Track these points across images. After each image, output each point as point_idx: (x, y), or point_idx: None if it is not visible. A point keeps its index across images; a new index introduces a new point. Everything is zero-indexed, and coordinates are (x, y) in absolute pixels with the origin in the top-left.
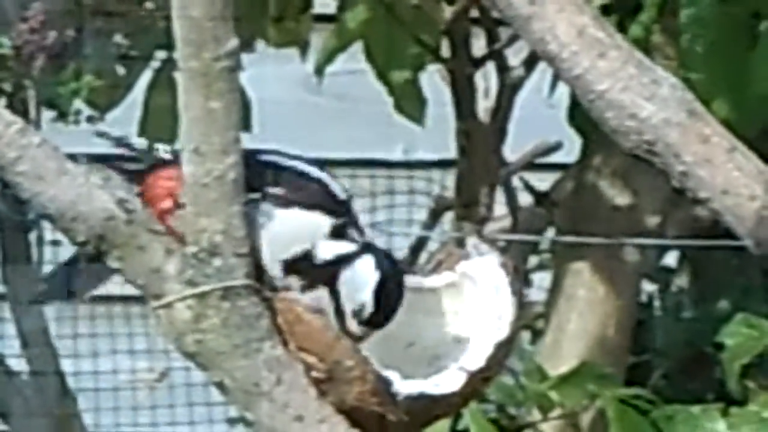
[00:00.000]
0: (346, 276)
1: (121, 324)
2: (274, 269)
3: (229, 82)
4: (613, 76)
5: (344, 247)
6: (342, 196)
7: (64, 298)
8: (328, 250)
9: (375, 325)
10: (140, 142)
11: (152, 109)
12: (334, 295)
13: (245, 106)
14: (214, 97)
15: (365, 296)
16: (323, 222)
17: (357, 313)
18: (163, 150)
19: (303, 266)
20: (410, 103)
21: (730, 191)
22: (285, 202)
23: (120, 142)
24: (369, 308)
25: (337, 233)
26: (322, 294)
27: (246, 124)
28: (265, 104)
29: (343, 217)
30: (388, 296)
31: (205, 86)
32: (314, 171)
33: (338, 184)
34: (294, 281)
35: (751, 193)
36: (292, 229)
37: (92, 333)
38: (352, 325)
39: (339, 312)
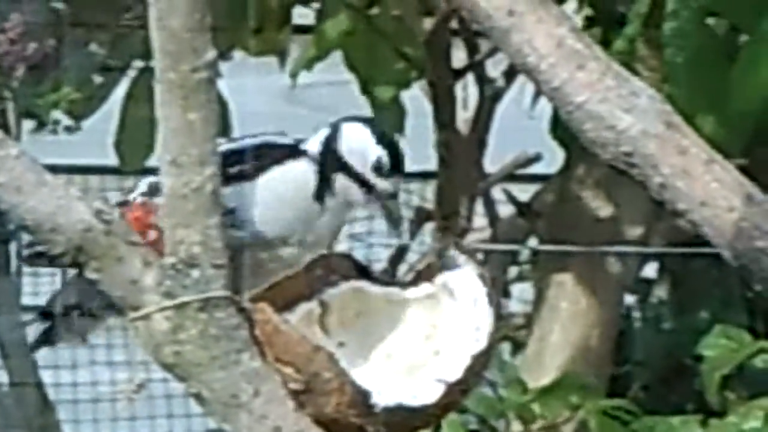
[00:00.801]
0: (343, 148)
1: (101, 335)
2: (294, 219)
3: (206, 94)
4: (592, 87)
5: (321, 133)
6: (288, 141)
7: (56, 342)
8: (313, 145)
9: (399, 170)
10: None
11: (129, 119)
12: (348, 170)
13: (223, 110)
14: (192, 109)
15: (375, 151)
16: (302, 165)
17: (377, 168)
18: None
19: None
20: (390, 114)
21: (709, 203)
22: (258, 170)
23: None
24: (384, 157)
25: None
26: (342, 180)
27: (224, 129)
28: (245, 116)
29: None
30: (390, 140)
31: (183, 98)
32: (255, 140)
33: (279, 136)
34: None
35: (729, 205)
36: (285, 182)
37: (71, 344)
38: (380, 183)
39: (363, 181)
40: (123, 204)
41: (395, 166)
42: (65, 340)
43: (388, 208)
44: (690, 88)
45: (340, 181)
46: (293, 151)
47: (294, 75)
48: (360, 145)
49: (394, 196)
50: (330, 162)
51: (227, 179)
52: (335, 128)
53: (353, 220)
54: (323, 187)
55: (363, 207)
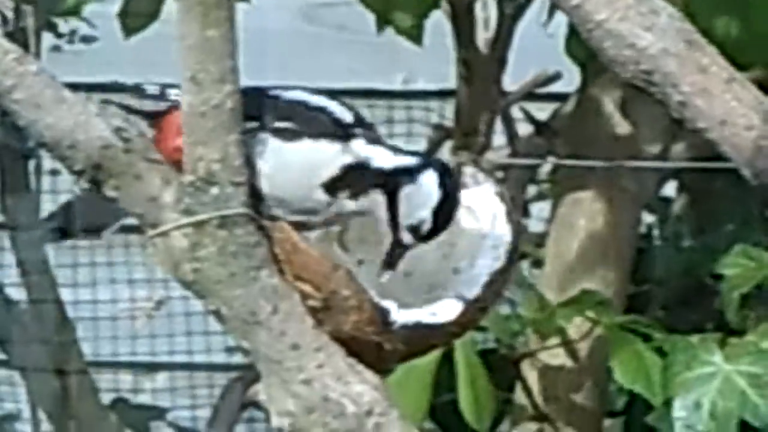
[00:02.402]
0: (408, 190)
1: (120, 253)
2: (316, 195)
3: (226, 11)
4: (612, 5)
5: (405, 159)
6: (348, 119)
7: (69, 237)
8: (386, 160)
9: (425, 239)
10: (154, 87)
11: None
12: (393, 205)
13: None
14: (211, 26)
15: (425, 214)
16: (336, 147)
17: (413, 229)
18: (175, 93)
19: (352, 178)
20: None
21: (728, 121)
22: (293, 135)
23: (135, 89)
24: (427, 225)
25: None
26: (376, 198)
27: None
28: (264, 34)
29: (353, 137)
30: (446, 214)
31: (203, 15)
32: (318, 101)
33: (345, 109)
34: (343, 195)
35: (748, 123)
36: (307, 159)
37: (91, 262)
38: (405, 237)
39: (394, 222)
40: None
41: (430, 234)
42: (80, 236)
43: (393, 253)
44: (711, 7)
45: (376, 198)
46: (339, 131)
47: None
48: (421, 201)
49: (406, 248)
50: (382, 179)
51: (271, 129)
52: (421, 165)
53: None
54: (348, 185)
55: (374, 231)
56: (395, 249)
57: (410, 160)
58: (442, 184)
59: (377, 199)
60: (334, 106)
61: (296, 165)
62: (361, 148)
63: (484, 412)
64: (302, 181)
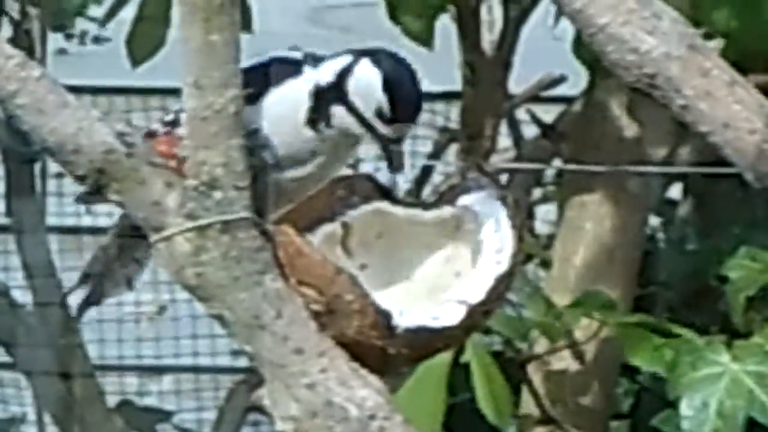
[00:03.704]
0: (350, 86)
1: None
2: (302, 138)
3: (229, 16)
4: (614, 9)
5: (340, 61)
6: (295, 56)
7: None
8: (327, 72)
9: (403, 119)
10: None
11: (144, 17)
12: (350, 108)
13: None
14: (214, 31)
15: (378, 95)
16: (297, 87)
17: (379, 114)
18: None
19: (322, 103)
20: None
21: (731, 125)
22: (262, 93)
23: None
24: (385, 105)
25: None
26: (339, 111)
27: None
28: (269, 37)
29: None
30: (400, 88)
31: (205, 20)
32: (264, 59)
33: (295, 52)
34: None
35: (751, 127)
36: (280, 103)
37: None
38: (382, 128)
39: (364, 123)
40: (149, 135)
41: (400, 113)
42: (112, 293)
43: (388, 151)
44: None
45: (339, 113)
46: (295, 71)
47: None
48: (366, 87)
49: (397, 141)
50: (333, 94)
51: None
52: (352, 61)
53: None
54: (320, 115)
55: (364, 141)
56: (385, 147)
57: (345, 60)
58: (378, 65)
59: (340, 111)
60: (281, 54)
61: (283, 113)
62: (311, 75)
63: (504, 408)
64: (294, 123)
